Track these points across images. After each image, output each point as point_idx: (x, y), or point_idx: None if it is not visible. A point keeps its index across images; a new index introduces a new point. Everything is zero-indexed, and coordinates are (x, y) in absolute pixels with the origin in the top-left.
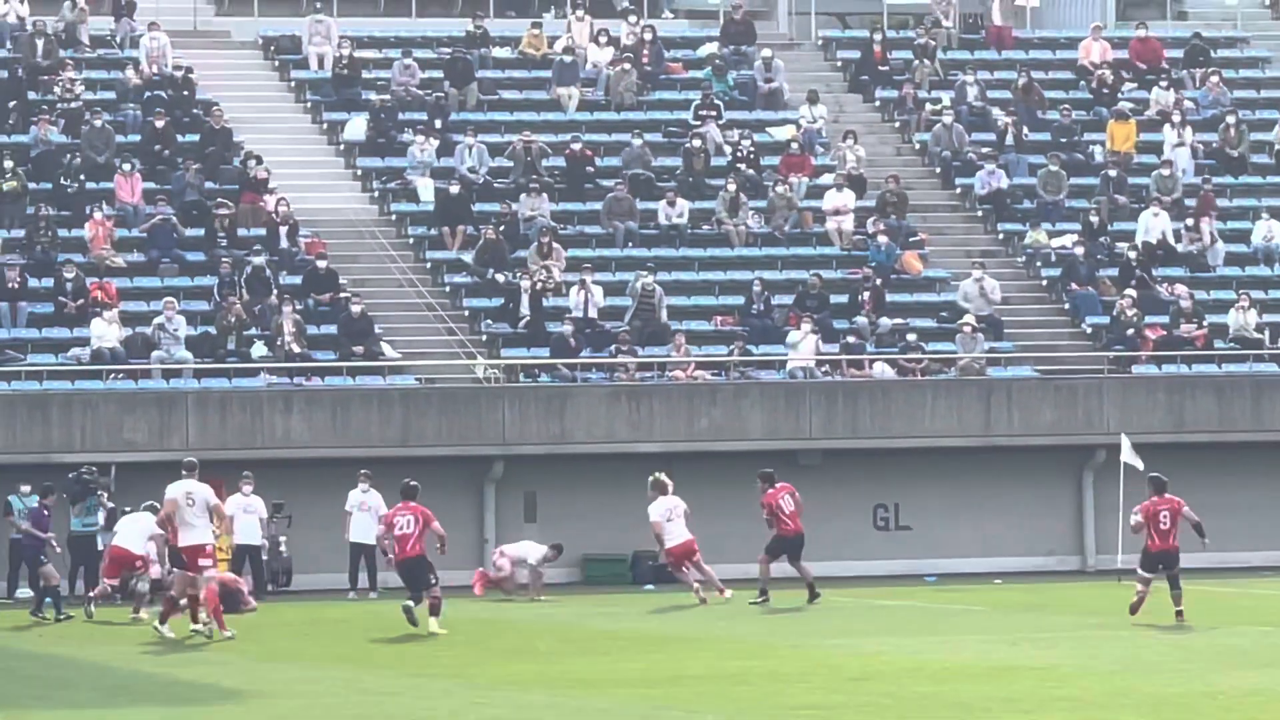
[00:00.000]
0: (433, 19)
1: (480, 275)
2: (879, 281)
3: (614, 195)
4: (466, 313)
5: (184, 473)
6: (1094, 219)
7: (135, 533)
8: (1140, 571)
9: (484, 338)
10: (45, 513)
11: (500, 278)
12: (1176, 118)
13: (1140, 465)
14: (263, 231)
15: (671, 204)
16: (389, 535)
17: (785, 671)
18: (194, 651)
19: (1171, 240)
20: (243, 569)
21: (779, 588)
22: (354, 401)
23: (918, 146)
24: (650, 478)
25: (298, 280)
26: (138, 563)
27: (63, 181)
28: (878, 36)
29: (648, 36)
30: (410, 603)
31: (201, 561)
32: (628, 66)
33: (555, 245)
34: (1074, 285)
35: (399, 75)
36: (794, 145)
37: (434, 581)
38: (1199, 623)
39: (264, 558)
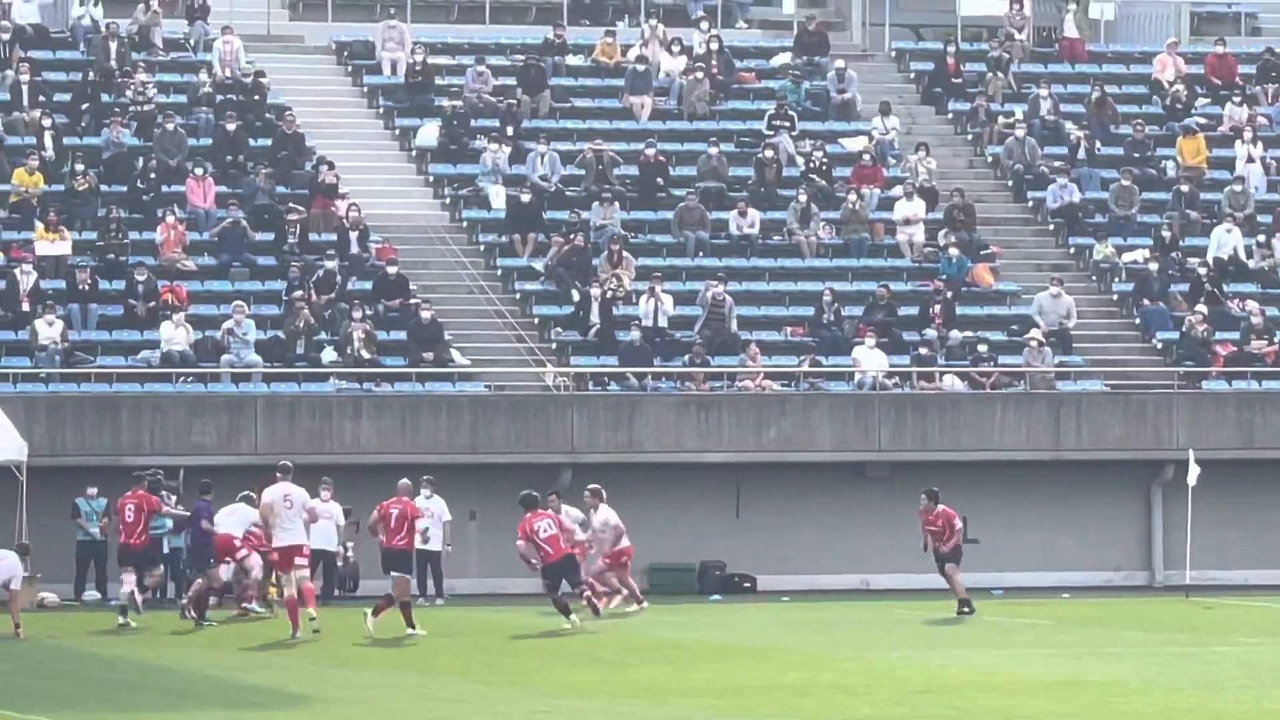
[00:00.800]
0: (506, 26)
1: (562, 282)
2: (950, 294)
3: (685, 205)
4: (536, 320)
5: (279, 476)
6: (1166, 234)
7: (236, 522)
8: None
9: (553, 345)
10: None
11: (588, 291)
12: (1248, 134)
13: (1193, 480)
14: (333, 236)
15: (743, 214)
16: (530, 545)
17: (849, 684)
18: (260, 654)
19: (1243, 256)
20: (315, 573)
21: (836, 599)
22: (423, 408)
23: (990, 159)
24: (588, 489)
25: (368, 286)
26: (239, 548)
27: (137, 185)
28: (951, 49)
29: (714, 46)
30: (593, 604)
31: (297, 561)
32: (700, 76)
33: (626, 254)
34: (1145, 300)
35: (472, 82)
36: (866, 156)
37: (583, 579)
38: (1267, 640)
39: (338, 564)
